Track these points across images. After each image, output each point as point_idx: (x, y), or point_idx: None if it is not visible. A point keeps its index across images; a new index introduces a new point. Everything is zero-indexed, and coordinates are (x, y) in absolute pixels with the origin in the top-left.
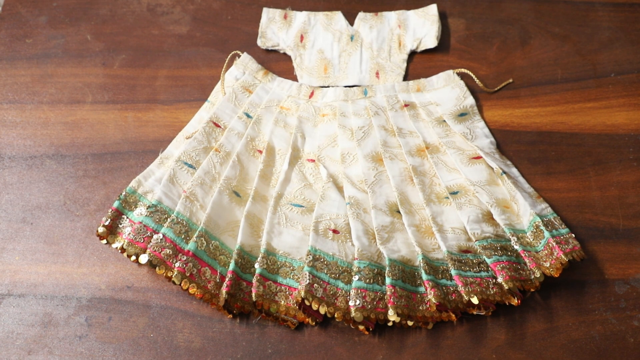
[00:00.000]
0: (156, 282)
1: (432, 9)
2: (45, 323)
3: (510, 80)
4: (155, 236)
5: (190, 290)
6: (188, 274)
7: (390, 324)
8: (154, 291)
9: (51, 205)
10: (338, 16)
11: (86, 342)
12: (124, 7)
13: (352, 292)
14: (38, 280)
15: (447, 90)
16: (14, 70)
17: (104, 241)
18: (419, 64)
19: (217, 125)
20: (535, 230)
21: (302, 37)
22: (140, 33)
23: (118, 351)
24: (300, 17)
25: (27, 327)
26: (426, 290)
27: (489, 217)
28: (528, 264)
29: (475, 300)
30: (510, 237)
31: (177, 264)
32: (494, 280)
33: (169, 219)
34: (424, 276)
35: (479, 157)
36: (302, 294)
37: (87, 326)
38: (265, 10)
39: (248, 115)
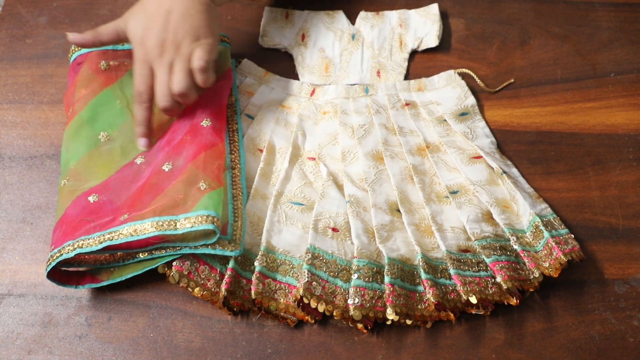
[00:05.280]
0: (156, 282)
1: (434, 8)
2: (45, 323)
3: (512, 80)
4: None
5: (189, 289)
6: (186, 273)
7: (388, 322)
8: (153, 291)
9: (51, 205)
10: (339, 15)
11: (86, 342)
12: (124, 7)
13: (351, 291)
14: (38, 280)
15: (448, 89)
16: (14, 70)
17: None
18: (419, 64)
19: None
20: (534, 231)
21: (303, 36)
22: None
23: (118, 351)
24: (301, 16)
25: (27, 327)
26: (425, 289)
27: (488, 217)
28: (527, 263)
29: (473, 300)
30: (510, 237)
31: (174, 263)
32: (493, 280)
33: None
34: (423, 275)
35: (479, 157)
36: (301, 291)
37: (87, 326)
38: (266, 9)
39: (249, 116)
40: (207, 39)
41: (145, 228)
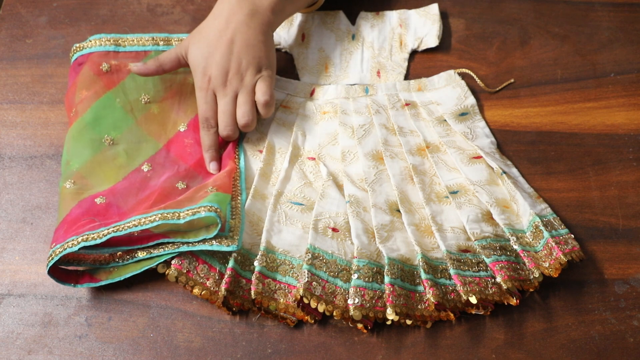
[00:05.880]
0: (156, 282)
1: (434, 8)
2: (45, 323)
3: (512, 80)
4: None
5: (188, 288)
6: (185, 271)
7: (388, 322)
8: (153, 291)
9: (51, 205)
10: (339, 15)
11: (86, 342)
12: (124, 7)
13: (351, 291)
14: (38, 280)
15: (448, 89)
16: (14, 71)
17: None
18: (419, 64)
19: None
20: (534, 231)
21: (303, 36)
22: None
23: (118, 351)
24: (301, 16)
25: (27, 327)
26: (425, 289)
27: (488, 217)
28: (527, 264)
29: (473, 300)
30: (510, 237)
31: (173, 262)
32: (493, 280)
33: None
34: (423, 275)
35: (479, 157)
36: (301, 291)
37: (87, 326)
38: None
39: None
40: (268, 70)
41: (149, 219)
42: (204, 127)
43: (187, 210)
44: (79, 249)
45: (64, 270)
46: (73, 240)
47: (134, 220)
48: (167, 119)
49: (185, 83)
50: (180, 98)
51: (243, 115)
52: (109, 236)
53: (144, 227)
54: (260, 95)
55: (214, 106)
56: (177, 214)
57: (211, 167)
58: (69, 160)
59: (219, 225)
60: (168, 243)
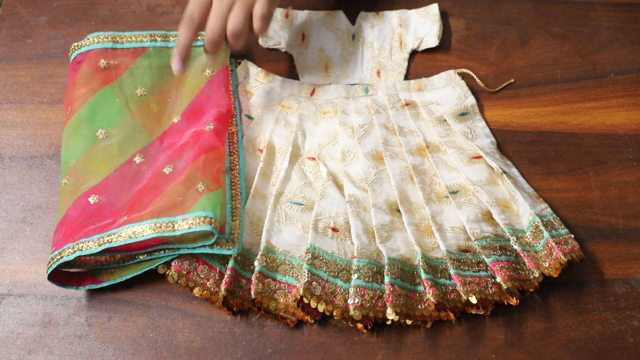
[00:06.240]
0: (156, 282)
1: (434, 8)
2: (45, 323)
3: (512, 80)
4: None
5: (187, 289)
6: (185, 272)
7: (388, 322)
8: (153, 291)
9: (51, 205)
10: (339, 15)
11: (86, 342)
12: (124, 7)
13: (351, 291)
14: (38, 280)
15: (448, 89)
16: (14, 71)
17: None
18: (419, 64)
19: None
20: (534, 231)
21: (303, 36)
22: None
23: (118, 351)
24: (301, 16)
25: (27, 327)
26: (425, 289)
27: (488, 217)
28: (527, 263)
29: (473, 300)
30: (510, 237)
31: (173, 263)
32: (493, 280)
33: None
34: (423, 275)
35: (479, 157)
36: (301, 291)
37: (87, 326)
38: None
39: (249, 117)
40: None
41: (143, 230)
42: (185, 22)
43: (182, 221)
44: (76, 258)
45: (65, 273)
46: (69, 248)
47: (128, 230)
48: (162, 112)
49: (183, 79)
50: (177, 92)
51: (234, 20)
52: (104, 246)
53: (139, 239)
54: (259, 7)
55: (206, 7)
56: (171, 225)
57: (175, 66)
58: (67, 158)
59: (215, 236)
60: (168, 247)
